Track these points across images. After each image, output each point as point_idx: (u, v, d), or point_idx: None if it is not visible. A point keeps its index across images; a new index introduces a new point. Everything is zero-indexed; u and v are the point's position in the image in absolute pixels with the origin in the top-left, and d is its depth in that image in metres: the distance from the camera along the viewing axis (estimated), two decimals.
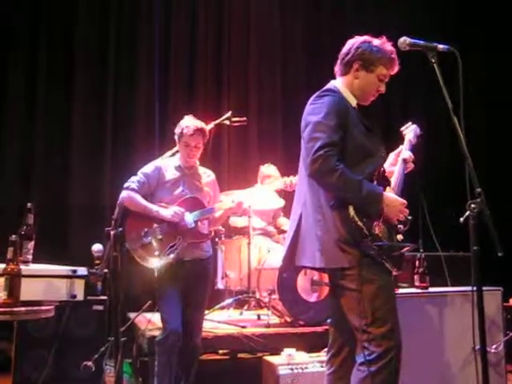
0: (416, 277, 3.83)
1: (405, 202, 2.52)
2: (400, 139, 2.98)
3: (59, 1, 6.05)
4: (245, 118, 4.71)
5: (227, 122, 4.58)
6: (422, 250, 4.05)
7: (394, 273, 2.50)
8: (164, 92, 6.42)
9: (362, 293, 2.40)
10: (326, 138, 2.40)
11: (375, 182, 2.52)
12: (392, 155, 2.87)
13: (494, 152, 7.00)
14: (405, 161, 2.80)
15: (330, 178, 2.38)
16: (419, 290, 3.78)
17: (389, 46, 2.65)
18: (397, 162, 2.83)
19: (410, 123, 3.03)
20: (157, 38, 6.47)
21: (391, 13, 7.20)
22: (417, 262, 3.86)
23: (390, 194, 2.52)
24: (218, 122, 4.43)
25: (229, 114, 4.59)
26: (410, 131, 2.98)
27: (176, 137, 3.66)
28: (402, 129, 3.02)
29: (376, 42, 2.66)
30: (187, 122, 3.64)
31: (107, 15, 6.24)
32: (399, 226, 2.52)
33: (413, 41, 2.47)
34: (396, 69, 2.68)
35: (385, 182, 2.58)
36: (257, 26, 6.96)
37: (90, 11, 6.20)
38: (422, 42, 2.46)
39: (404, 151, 2.86)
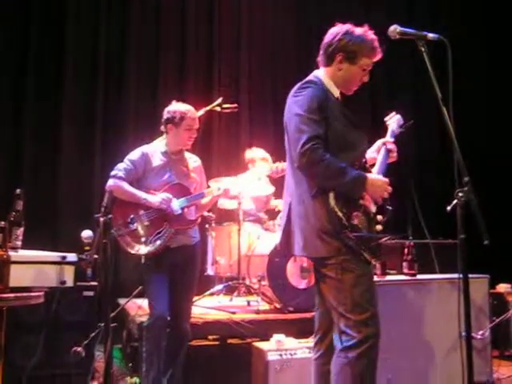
0: (404, 264, 3.87)
1: (387, 180, 2.57)
2: (384, 129, 3.00)
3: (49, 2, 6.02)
4: (236, 105, 4.70)
5: (218, 109, 4.57)
6: (410, 237, 4.09)
7: (373, 262, 2.55)
8: (155, 79, 6.40)
9: (342, 282, 2.47)
10: (311, 132, 2.45)
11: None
12: (378, 142, 2.89)
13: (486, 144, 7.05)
14: (389, 151, 2.82)
15: (318, 169, 2.43)
16: (407, 277, 3.81)
17: (371, 35, 2.65)
18: (380, 150, 2.85)
19: (393, 113, 3.04)
20: (147, 27, 6.43)
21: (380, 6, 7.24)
22: (405, 250, 3.89)
23: (372, 175, 2.58)
24: (208, 108, 4.42)
25: (219, 100, 4.57)
26: (393, 121, 3.00)
27: (172, 122, 3.61)
28: (386, 119, 3.03)
29: (358, 30, 2.64)
30: (184, 106, 3.65)
31: (99, 3, 6.20)
32: (378, 216, 2.55)
33: (403, 29, 2.48)
34: (379, 56, 2.67)
35: (365, 171, 2.61)
36: (248, 15, 6.94)
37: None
38: (412, 31, 2.46)
39: (389, 143, 2.87)
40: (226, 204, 5.37)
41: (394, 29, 2.49)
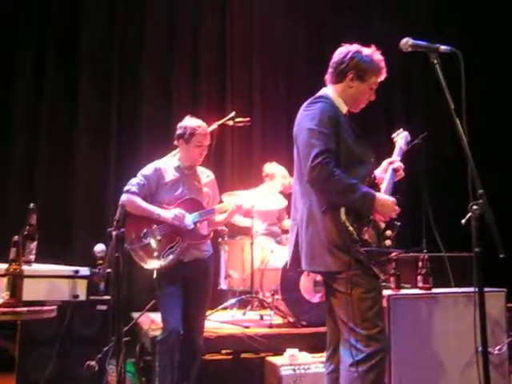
0: (419, 277, 3.81)
1: (395, 200, 2.60)
2: (392, 146, 3.00)
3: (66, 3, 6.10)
4: (248, 119, 4.73)
5: (230, 123, 4.59)
6: (425, 251, 4.04)
7: (382, 277, 2.58)
8: (167, 93, 6.44)
9: (351, 296, 2.49)
10: (322, 145, 2.48)
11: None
12: (385, 163, 2.90)
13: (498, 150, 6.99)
14: (395, 170, 2.84)
15: (329, 184, 2.46)
16: (422, 291, 3.76)
17: (378, 55, 2.74)
18: (387, 170, 2.86)
19: (401, 130, 3.08)
20: (161, 40, 6.50)
21: (394, 17, 7.22)
22: (420, 263, 3.84)
23: (382, 195, 2.61)
24: (221, 122, 4.44)
25: (232, 114, 4.59)
26: (400, 138, 3.02)
27: (182, 137, 3.63)
28: (394, 135, 3.06)
29: (366, 51, 2.73)
30: (195, 122, 3.66)
31: (113, 17, 6.28)
32: (387, 231, 2.58)
33: (415, 42, 2.47)
34: (384, 76, 2.75)
35: (374, 187, 2.64)
36: (260, 27, 6.99)
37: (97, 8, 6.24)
38: (424, 43, 2.45)
39: (396, 162, 2.87)
40: (240, 221, 5.37)
41: (406, 42, 2.48)
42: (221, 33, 6.80)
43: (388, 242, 2.57)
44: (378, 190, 2.68)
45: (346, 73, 2.70)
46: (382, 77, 2.75)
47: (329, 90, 2.76)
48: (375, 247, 2.50)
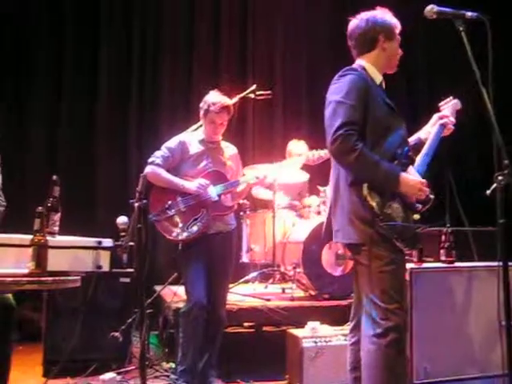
0: (442, 251, 3.80)
1: (424, 181, 2.51)
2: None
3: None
4: (269, 92, 4.68)
5: (252, 96, 4.55)
6: (448, 225, 4.01)
7: (406, 251, 2.55)
8: (189, 68, 6.41)
9: (371, 268, 2.48)
10: (345, 117, 2.43)
11: (397, 161, 2.52)
12: (435, 117, 2.84)
13: None
14: (444, 125, 2.78)
15: (349, 158, 2.42)
16: (445, 265, 3.74)
17: (385, 10, 2.71)
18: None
19: (450, 97, 2.95)
20: (182, 15, 6.45)
21: None
22: (443, 237, 3.82)
23: (407, 175, 2.50)
24: (242, 95, 4.41)
25: (253, 87, 4.56)
26: (448, 106, 2.90)
27: (201, 112, 3.65)
28: (441, 104, 2.93)
29: (375, 12, 2.70)
30: (214, 98, 3.62)
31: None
32: (417, 205, 2.52)
33: (440, 9, 2.42)
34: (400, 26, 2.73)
35: (408, 160, 2.57)
36: (283, 2, 6.87)
37: None
38: (449, 10, 2.40)
39: (445, 118, 2.80)
40: (261, 194, 5.36)
41: (431, 9, 2.43)
42: (242, 4, 6.71)
43: (416, 216, 2.52)
44: (412, 161, 2.60)
45: (377, 37, 2.65)
46: (399, 27, 2.72)
47: (362, 62, 2.70)
48: (399, 222, 2.44)
